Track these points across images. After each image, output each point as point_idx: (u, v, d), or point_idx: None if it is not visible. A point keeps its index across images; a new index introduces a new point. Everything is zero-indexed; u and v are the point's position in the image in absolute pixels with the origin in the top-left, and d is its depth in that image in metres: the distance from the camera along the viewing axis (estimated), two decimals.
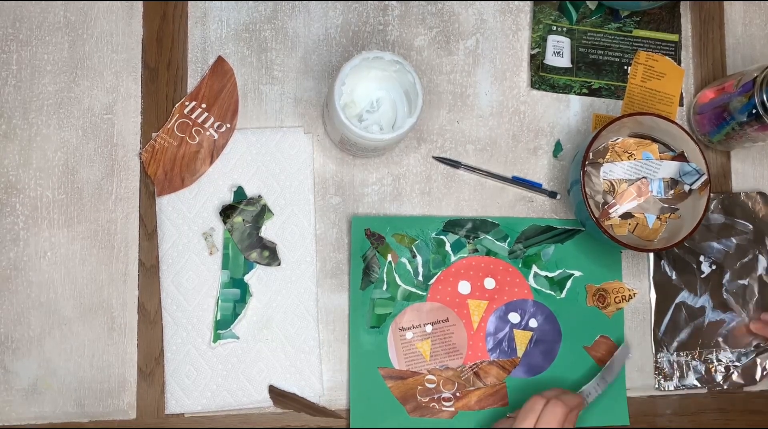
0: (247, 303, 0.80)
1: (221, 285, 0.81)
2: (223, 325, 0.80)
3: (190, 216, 0.81)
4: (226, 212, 0.81)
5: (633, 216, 0.83)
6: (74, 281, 0.80)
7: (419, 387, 0.81)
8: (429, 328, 0.82)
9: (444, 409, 0.81)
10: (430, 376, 0.81)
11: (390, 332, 0.81)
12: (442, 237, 0.83)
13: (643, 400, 0.84)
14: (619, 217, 0.83)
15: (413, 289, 0.82)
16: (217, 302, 0.80)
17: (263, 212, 0.82)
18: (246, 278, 0.81)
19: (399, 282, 0.82)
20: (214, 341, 0.80)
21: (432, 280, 0.82)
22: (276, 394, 0.80)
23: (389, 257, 0.82)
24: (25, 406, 0.78)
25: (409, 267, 0.82)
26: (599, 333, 0.84)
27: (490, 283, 0.83)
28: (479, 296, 0.83)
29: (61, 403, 0.79)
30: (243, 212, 0.81)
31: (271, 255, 0.81)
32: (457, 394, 0.81)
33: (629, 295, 0.85)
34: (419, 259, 0.83)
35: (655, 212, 0.84)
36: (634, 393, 0.84)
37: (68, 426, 0.78)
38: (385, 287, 0.82)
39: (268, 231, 0.82)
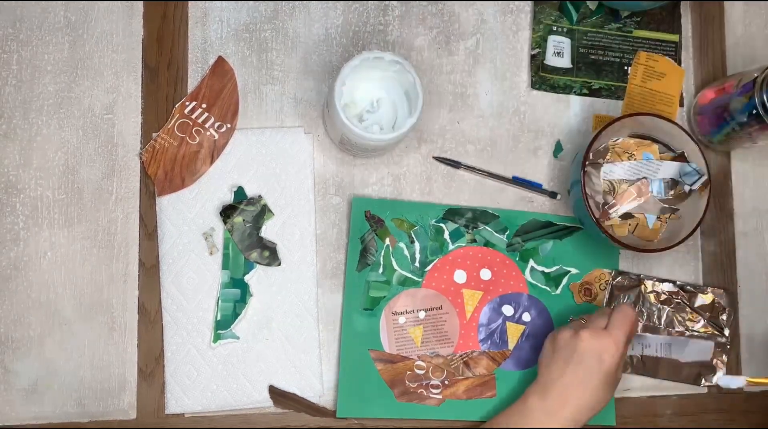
0: (248, 303, 0.80)
1: (221, 285, 0.81)
2: (223, 325, 0.80)
3: (191, 216, 0.81)
4: (227, 212, 0.81)
5: (633, 216, 0.83)
6: (74, 281, 0.80)
7: (408, 372, 0.81)
8: (422, 315, 0.82)
9: (432, 396, 0.81)
10: (419, 362, 0.81)
11: (383, 315, 0.81)
12: (441, 225, 0.83)
13: (643, 400, 0.84)
14: (619, 217, 0.83)
15: (409, 275, 0.82)
16: (218, 302, 0.80)
17: (263, 212, 0.82)
18: (246, 278, 0.81)
19: (395, 266, 0.82)
20: (215, 341, 0.80)
21: (428, 267, 0.83)
22: (276, 394, 0.80)
23: (387, 241, 0.82)
24: (25, 406, 0.78)
25: (406, 252, 0.82)
26: None
27: (486, 274, 0.83)
28: (474, 286, 0.83)
29: (61, 403, 0.79)
30: (243, 212, 0.81)
31: (271, 255, 0.81)
32: (446, 382, 0.81)
33: (611, 278, 0.85)
34: (417, 245, 0.83)
35: (655, 212, 0.84)
36: (634, 393, 0.84)
37: (68, 426, 0.78)
38: (381, 270, 0.82)
39: (268, 231, 0.82)
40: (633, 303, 0.84)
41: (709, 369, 0.84)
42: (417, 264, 0.82)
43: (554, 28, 0.87)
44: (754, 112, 0.78)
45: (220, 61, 0.84)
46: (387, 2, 0.86)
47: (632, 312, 0.74)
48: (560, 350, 0.73)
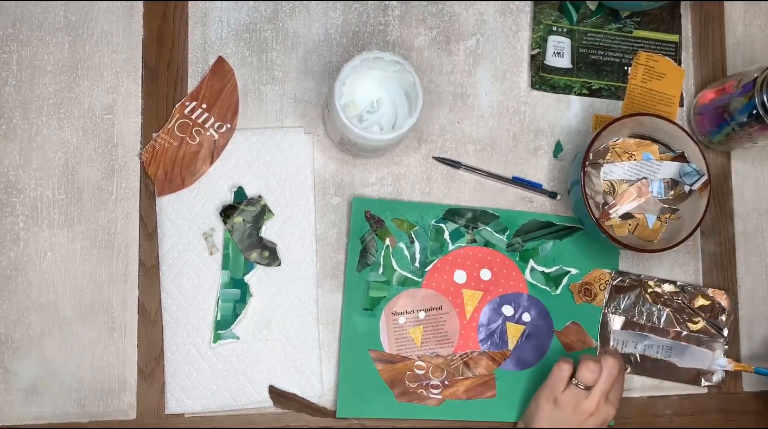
0: (248, 303, 0.80)
1: (221, 285, 0.81)
2: (223, 325, 0.80)
3: (190, 216, 0.81)
4: (227, 212, 0.81)
5: (633, 216, 0.83)
6: (74, 281, 0.80)
7: (408, 372, 0.81)
8: (422, 315, 0.82)
9: (431, 396, 0.81)
10: (419, 363, 0.81)
11: (383, 316, 0.81)
12: (441, 225, 0.83)
13: (643, 400, 0.84)
14: (619, 217, 0.83)
15: (409, 275, 0.82)
16: (217, 302, 0.80)
17: (263, 212, 0.82)
18: (246, 278, 0.81)
19: (395, 266, 0.82)
20: (215, 341, 0.80)
21: (428, 267, 0.83)
22: (276, 394, 0.80)
23: (387, 241, 0.82)
24: (25, 406, 0.78)
25: (406, 252, 0.82)
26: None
27: (486, 274, 0.83)
28: (474, 286, 0.83)
29: (61, 403, 0.79)
30: (243, 212, 0.81)
31: (271, 255, 0.81)
32: (446, 382, 0.81)
33: (611, 278, 0.85)
34: (417, 245, 0.83)
35: (655, 213, 0.84)
36: (634, 393, 0.84)
37: (68, 426, 0.79)
38: (381, 271, 0.82)
39: (268, 231, 0.82)
40: (633, 304, 0.84)
41: (707, 373, 0.84)
42: (417, 264, 0.83)
43: (554, 29, 0.87)
44: (754, 112, 0.78)
45: (220, 61, 0.84)
46: (387, 2, 0.86)
47: (623, 380, 0.77)
48: (564, 421, 0.75)
